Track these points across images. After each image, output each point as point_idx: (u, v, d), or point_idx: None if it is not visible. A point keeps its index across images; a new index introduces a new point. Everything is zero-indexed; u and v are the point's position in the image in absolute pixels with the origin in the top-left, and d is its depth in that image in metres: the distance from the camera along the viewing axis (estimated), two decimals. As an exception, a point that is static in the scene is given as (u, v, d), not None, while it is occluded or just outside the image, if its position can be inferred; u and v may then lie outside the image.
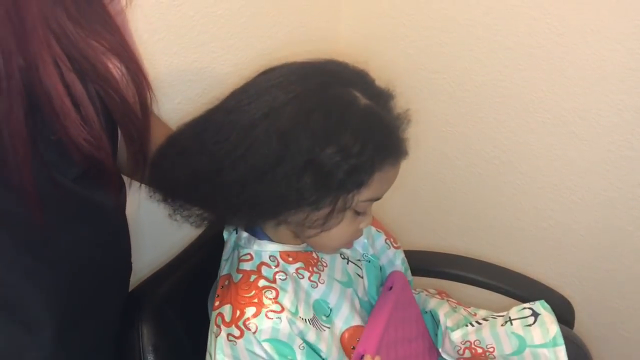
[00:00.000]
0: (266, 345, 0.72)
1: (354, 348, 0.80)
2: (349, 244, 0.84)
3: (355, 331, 0.82)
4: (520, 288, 1.06)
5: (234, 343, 0.73)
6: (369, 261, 0.93)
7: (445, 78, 1.23)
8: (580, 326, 1.02)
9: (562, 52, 1.06)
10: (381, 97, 0.75)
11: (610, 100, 1.04)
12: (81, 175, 0.61)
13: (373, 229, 0.97)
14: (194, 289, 0.83)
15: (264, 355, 0.72)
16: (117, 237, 0.72)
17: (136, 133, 0.66)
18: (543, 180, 1.19)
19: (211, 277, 0.88)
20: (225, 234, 0.87)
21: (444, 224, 1.39)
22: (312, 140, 0.67)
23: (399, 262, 0.98)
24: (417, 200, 1.41)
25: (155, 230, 1.05)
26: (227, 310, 0.76)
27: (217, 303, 0.78)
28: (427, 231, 1.43)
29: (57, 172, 0.59)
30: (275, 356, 0.72)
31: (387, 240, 0.97)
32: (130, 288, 0.89)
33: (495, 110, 1.19)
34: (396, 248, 0.98)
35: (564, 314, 1.01)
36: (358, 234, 0.81)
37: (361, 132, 0.68)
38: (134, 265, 1.01)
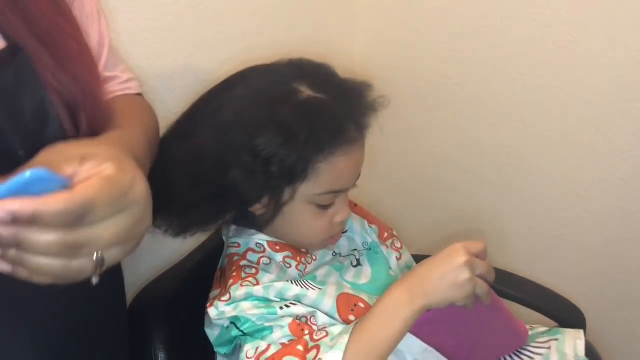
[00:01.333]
0: (245, 305, 0.73)
1: (352, 310, 0.78)
2: (332, 240, 0.84)
3: (347, 297, 0.80)
4: (530, 295, 1.05)
5: (207, 315, 0.76)
6: (370, 249, 0.93)
7: (459, 84, 1.23)
8: (591, 336, 1.01)
9: (579, 60, 1.06)
10: (335, 88, 0.76)
11: (626, 108, 1.04)
12: None
13: (366, 224, 0.95)
14: (204, 288, 0.83)
15: (234, 312, 0.73)
16: None
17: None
18: (556, 188, 1.19)
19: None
20: (224, 237, 0.89)
21: (455, 230, 1.39)
22: (244, 135, 0.71)
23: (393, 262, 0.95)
24: (428, 206, 1.41)
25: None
26: (214, 293, 0.80)
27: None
28: (436, 237, 1.42)
29: None
30: (246, 305, 0.73)
31: (379, 239, 0.96)
32: (138, 289, 0.90)
33: (509, 117, 1.18)
34: (395, 250, 0.96)
35: (575, 322, 1.00)
36: (335, 227, 0.81)
37: (289, 126, 0.70)
38: (138, 269, 1.02)
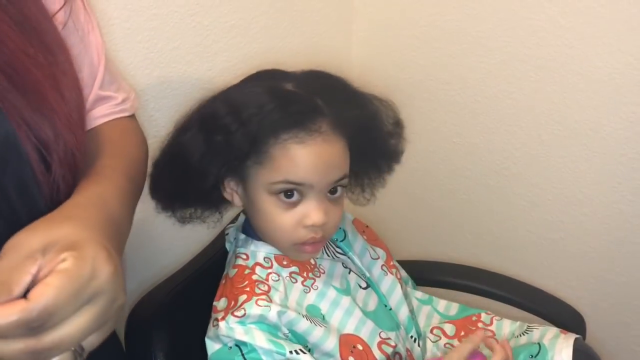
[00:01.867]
0: (252, 327, 0.73)
1: (352, 351, 0.79)
2: (309, 247, 0.79)
3: (348, 338, 0.81)
4: (530, 300, 1.05)
5: (217, 327, 0.75)
6: (367, 286, 0.91)
7: (456, 89, 1.23)
8: (591, 339, 1.01)
9: (574, 64, 1.06)
10: (323, 88, 0.77)
11: (622, 112, 1.04)
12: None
13: (368, 256, 0.94)
14: (203, 294, 0.84)
15: (244, 337, 0.72)
16: None
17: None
18: (554, 192, 1.19)
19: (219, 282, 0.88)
20: (227, 245, 0.89)
21: (454, 235, 1.39)
22: (212, 106, 0.75)
23: (398, 290, 0.93)
24: (428, 211, 1.41)
25: (159, 242, 1.06)
26: (222, 302, 0.78)
27: (215, 299, 0.81)
28: (436, 242, 1.42)
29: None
30: (258, 335, 0.73)
31: (384, 266, 0.94)
32: (138, 298, 0.90)
33: (506, 121, 1.19)
34: (398, 279, 0.95)
35: (575, 326, 1.00)
36: (306, 231, 0.77)
37: (241, 101, 0.73)
38: (137, 277, 1.01)
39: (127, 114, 0.76)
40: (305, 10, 1.19)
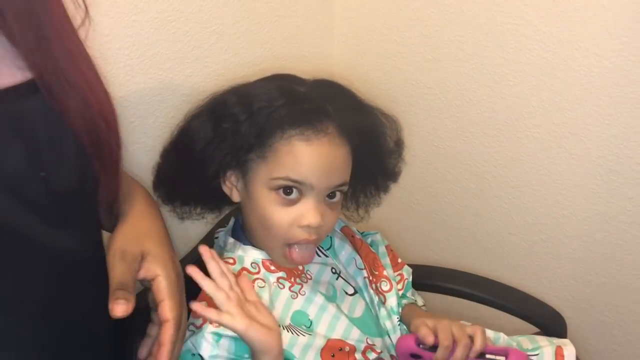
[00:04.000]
0: (225, 341, 0.73)
1: (333, 356, 0.79)
2: (298, 256, 0.79)
3: (334, 343, 0.81)
4: (512, 301, 1.06)
5: (192, 332, 0.75)
6: (355, 293, 0.90)
7: (437, 93, 1.24)
8: (572, 340, 1.02)
9: (552, 68, 1.08)
10: (333, 93, 0.80)
11: (599, 115, 1.06)
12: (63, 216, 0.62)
13: (355, 266, 0.93)
14: (188, 299, 0.83)
15: (213, 352, 0.73)
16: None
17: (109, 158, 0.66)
18: (534, 194, 1.20)
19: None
20: (216, 248, 0.89)
21: (436, 238, 1.40)
22: (224, 96, 0.79)
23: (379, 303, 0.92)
24: (409, 214, 1.42)
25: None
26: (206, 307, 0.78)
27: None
28: (419, 245, 1.43)
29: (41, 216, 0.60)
30: (229, 352, 0.74)
31: (367, 278, 0.93)
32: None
33: (486, 125, 1.20)
34: (380, 293, 0.93)
35: (556, 327, 1.01)
36: (300, 232, 0.77)
37: (252, 94, 0.76)
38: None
39: None
40: (286, 16, 1.20)
